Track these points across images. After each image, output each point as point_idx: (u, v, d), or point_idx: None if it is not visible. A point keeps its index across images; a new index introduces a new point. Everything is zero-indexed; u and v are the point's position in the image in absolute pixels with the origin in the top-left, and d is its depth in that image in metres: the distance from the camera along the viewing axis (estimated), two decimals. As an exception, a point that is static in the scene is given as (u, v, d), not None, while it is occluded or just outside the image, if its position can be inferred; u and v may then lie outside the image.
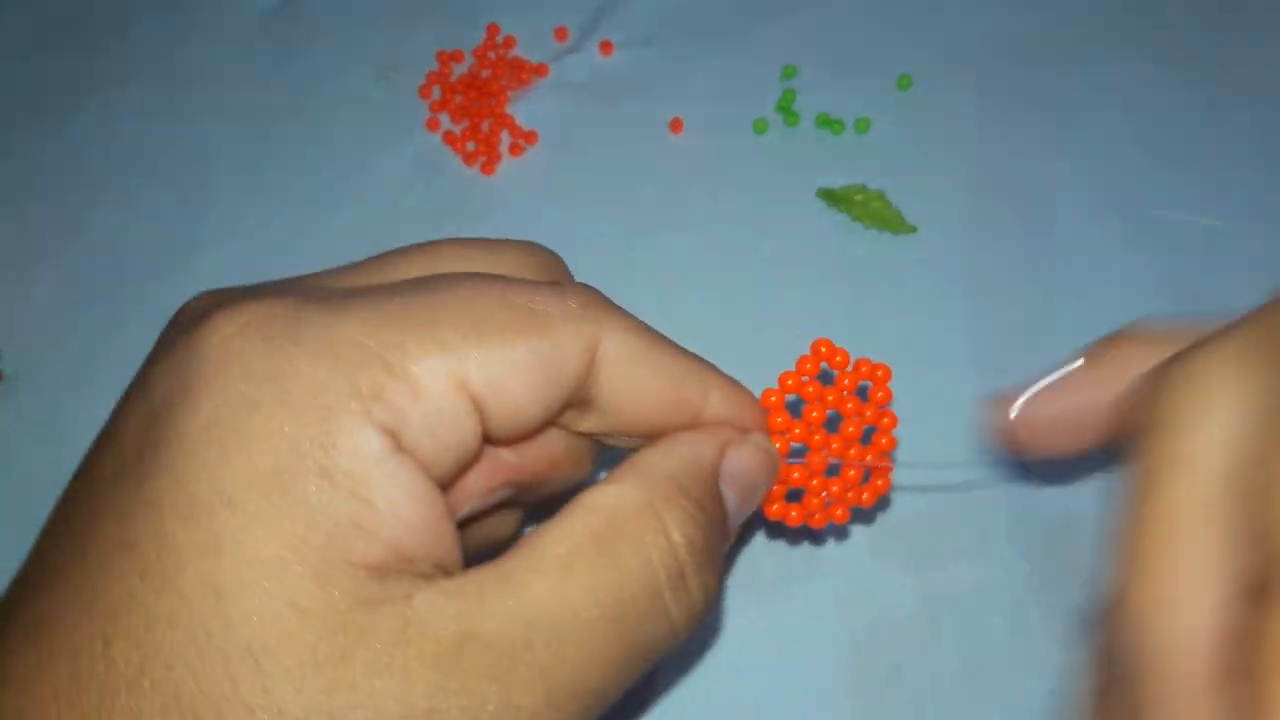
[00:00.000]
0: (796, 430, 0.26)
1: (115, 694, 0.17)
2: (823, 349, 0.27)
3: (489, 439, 0.22)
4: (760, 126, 0.43)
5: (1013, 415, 0.25)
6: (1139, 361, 0.22)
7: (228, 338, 0.20)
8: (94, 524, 0.19)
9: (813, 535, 0.34)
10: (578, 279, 0.41)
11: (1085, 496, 0.35)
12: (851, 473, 0.27)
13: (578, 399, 0.23)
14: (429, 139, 0.44)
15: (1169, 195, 0.41)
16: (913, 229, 0.41)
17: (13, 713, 0.17)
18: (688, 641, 0.23)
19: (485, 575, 0.20)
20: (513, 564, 0.20)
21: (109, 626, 0.18)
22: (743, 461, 0.25)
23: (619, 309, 0.24)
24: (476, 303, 0.21)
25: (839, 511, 0.27)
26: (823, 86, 0.44)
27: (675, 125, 0.44)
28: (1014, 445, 0.26)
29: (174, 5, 0.49)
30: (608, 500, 0.22)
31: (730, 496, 0.24)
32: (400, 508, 0.19)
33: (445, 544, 0.20)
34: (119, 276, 0.42)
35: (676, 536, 0.22)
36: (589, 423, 0.24)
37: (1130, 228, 0.40)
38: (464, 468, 0.21)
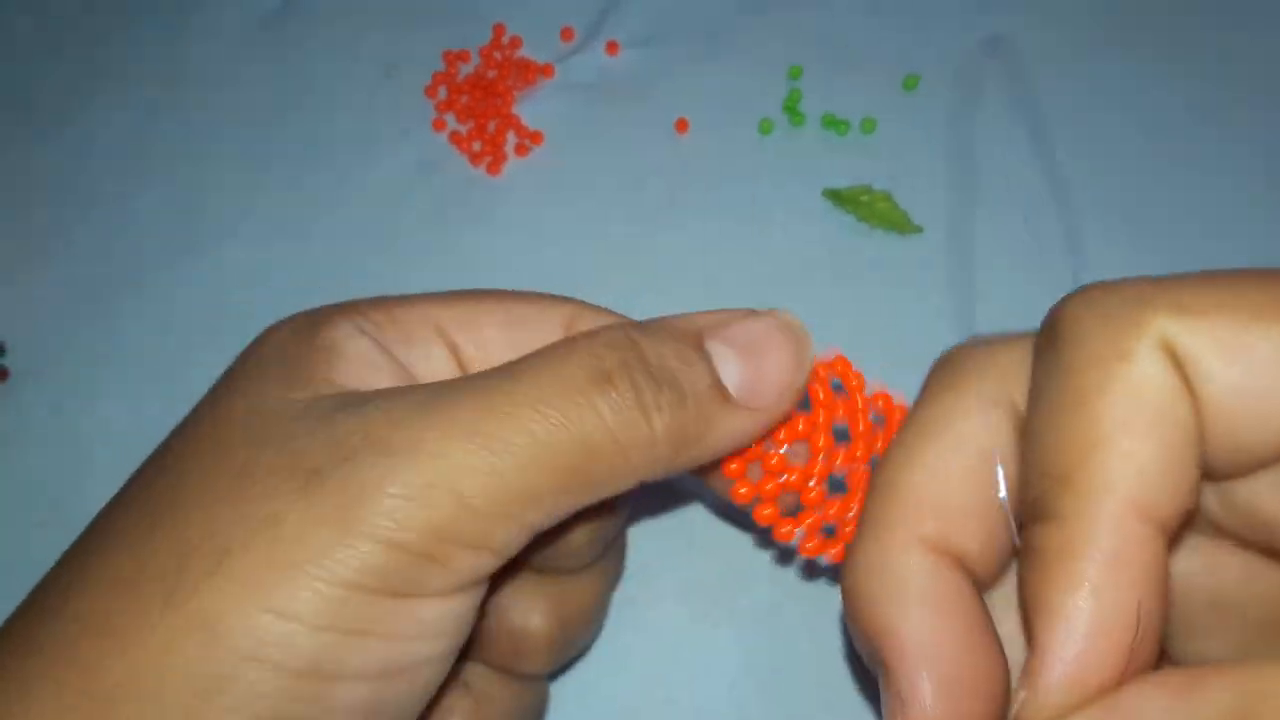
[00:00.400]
0: (800, 425, 0.25)
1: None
2: (837, 366, 0.26)
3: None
4: (766, 127, 0.43)
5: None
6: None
7: (275, 326, 0.25)
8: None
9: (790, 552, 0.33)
10: (583, 278, 0.42)
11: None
12: (851, 512, 0.24)
13: None
14: (435, 139, 0.44)
15: (1173, 197, 0.41)
16: (919, 229, 0.41)
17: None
18: (667, 476, 0.23)
19: (419, 384, 0.23)
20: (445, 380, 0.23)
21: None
22: (742, 324, 0.24)
23: (601, 308, 0.27)
24: (466, 292, 0.26)
25: (834, 551, 0.24)
26: (828, 87, 0.44)
27: (681, 125, 0.44)
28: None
29: (175, 6, 0.49)
30: None
31: (727, 354, 0.23)
32: (366, 357, 0.23)
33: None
34: (122, 275, 0.42)
35: (599, 340, 0.22)
36: None
37: (1133, 228, 0.40)
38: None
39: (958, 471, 0.20)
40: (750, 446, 0.24)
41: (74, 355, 0.40)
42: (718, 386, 0.23)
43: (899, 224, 0.40)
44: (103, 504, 0.37)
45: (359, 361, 0.23)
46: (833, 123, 0.43)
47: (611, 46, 0.46)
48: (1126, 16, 0.46)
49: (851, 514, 0.25)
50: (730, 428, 0.23)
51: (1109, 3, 0.46)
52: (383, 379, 0.23)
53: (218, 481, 0.21)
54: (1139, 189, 0.42)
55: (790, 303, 0.39)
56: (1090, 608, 0.17)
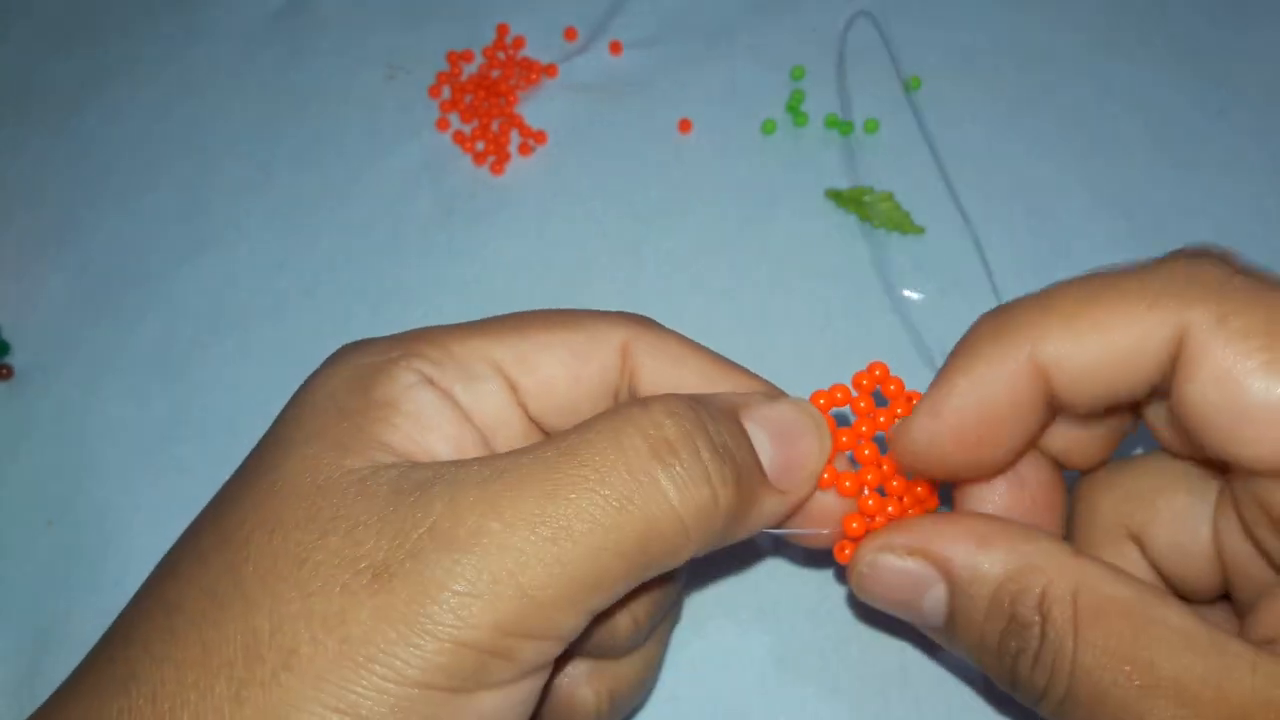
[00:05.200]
0: (844, 438, 0.26)
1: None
2: (877, 371, 0.27)
3: (545, 424, 0.26)
4: (769, 127, 0.44)
5: (913, 439, 0.24)
6: (1025, 335, 0.22)
7: (335, 352, 0.26)
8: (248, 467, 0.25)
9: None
10: (586, 277, 0.42)
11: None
12: (905, 497, 0.26)
13: (625, 394, 0.26)
14: (439, 138, 0.45)
15: (1174, 197, 0.41)
16: (921, 230, 0.41)
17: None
18: (723, 548, 0.23)
19: (477, 458, 0.23)
20: (502, 454, 0.23)
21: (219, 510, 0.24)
22: (773, 407, 0.25)
23: (658, 324, 0.26)
24: (518, 316, 0.26)
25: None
26: (831, 87, 0.44)
27: (684, 125, 0.44)
28: (937, 468, 0.25)
29: (182, 6, 0.49)
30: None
31: (762, 437, 0.24)
32: (423, 415, 0.23)
33: (473, 454, 0.24)
34: (128, 275, 0.42)
35: (657, 408, 0.22)
36: None
37: (1137, 228, 0.40)
38: (507, 426, 0.25)
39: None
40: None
41: (80, 353, 0.41)
42: (759, 465, 0.24)
43: (901, 224, 0.41)
44: (107, 504, 0.37)
45: (417, 422, 0.23)
46: (836, 123, 0.43)
47: (615, 47, 0.46)
48: (1132, 20, 0.46)
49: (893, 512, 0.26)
50: (768, 508, 0.24)
51: (1115, 6, 0.46)
52: (440, 442, 0.23)
53: (281, 566, 0.21)
54: (1141, 190, 0.42)
55: (793, 302, 0.40)
56: (967, 387, 0.23)
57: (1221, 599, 0.26)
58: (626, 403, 0.23)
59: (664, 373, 0.26)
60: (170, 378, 0.40)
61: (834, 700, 0.32)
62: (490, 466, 0.22)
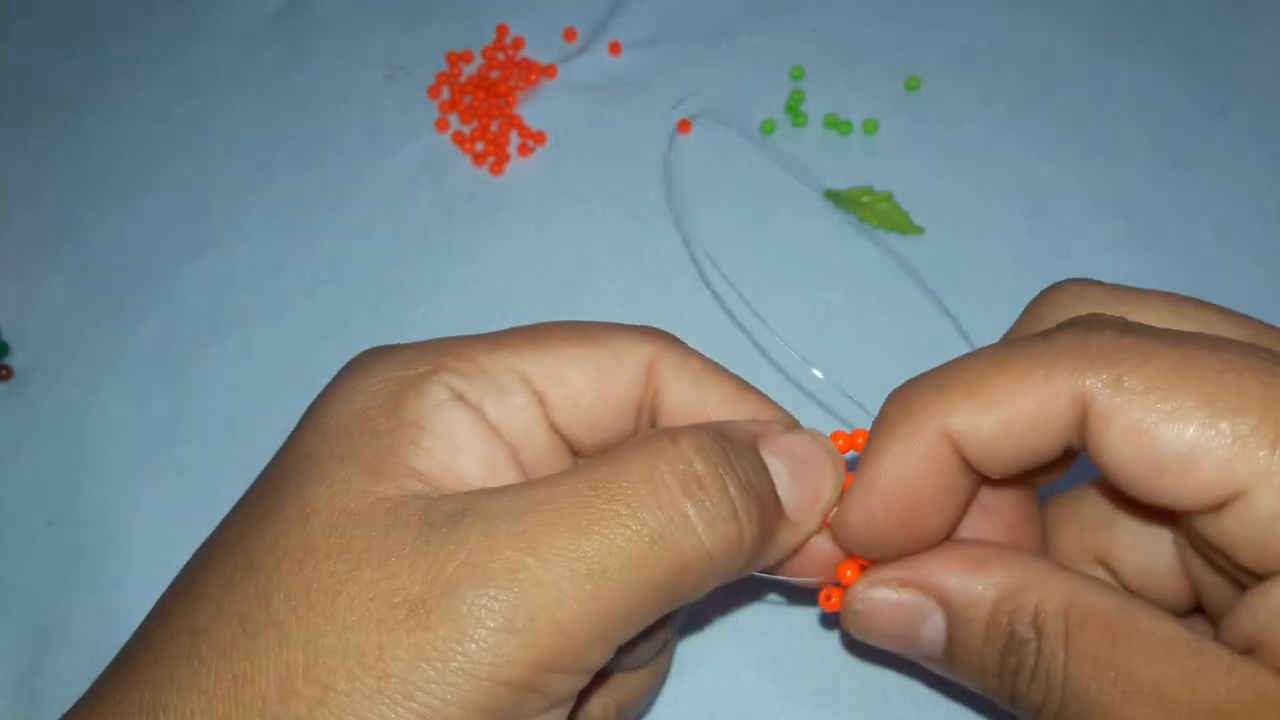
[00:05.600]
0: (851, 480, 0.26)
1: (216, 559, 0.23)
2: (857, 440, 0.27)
3: (571, 438, 0.25)
4: (768, 127, 0.44)
5: (851, 522, 0.24)
6: (930, 413, 0.23)
7: (356, 357, 0.25)
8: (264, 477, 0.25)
9: None
10: (586, 278, 0.42)
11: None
12: None
13: (649, 410, 0.26)
14: (438, 139, 0.45)
15: (1174, 197, 0.41)
16: (920, 230, 0.41)
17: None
18: (738, 579, 0.23)
19: (512, 484, 0.23)
20: (536, 479, 0.23)
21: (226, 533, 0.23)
22: (790, 439, 0.25)
23: (681, 341, 0.26)
24: (544, 328, 0.26)
25: None
26: (831, 87, 0.44)
27: (683, 126, 0.44)
28: (880, 547, 0.25)
29: (182, 5, 0.49)
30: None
31: (779, 469, 0.24)
32: (454, 436, 0.23)
33: (503, 477, 0.23)
34: (128, 275, 0.42)
35: (685, 443, 0.22)
36: None
37: (1136, 229, 0.41)
38: (535, 439, 0.25)
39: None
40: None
41: (80, 353, 0.41)
42: (778, 498, 0.24)
43: (900, 224, 0.41)
44: (107, 504, 0.37)
45: (448, 444, 0.23)
46: (835, 123, 0.43)
47: (614, 47, 0.46)
48: (1131, 20, 0.46)
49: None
50: (785, 541, 0.25)
51: (1114, 6, 0.46)
52: (471, 464, 0.23)
53: (314, 597, 0.21)
54: (1141, 190, 0.42)
55: (792, 303, 0.40)
56: (884, 472, 0.23)
57: (1197, 610, 0.26)
58: (654, 433, 0.23)
59: (686, 393, 0.26)
60: (170, 378, 0.40)
61: (834, 700, 0.32)
62: (522, 499, 0.22)
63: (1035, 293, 0.39)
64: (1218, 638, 0.22)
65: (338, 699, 0.20)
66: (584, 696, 0.26)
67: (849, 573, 0.26)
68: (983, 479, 0.24)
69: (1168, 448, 0.20)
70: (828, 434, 0.27)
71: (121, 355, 0.41)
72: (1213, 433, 0.20)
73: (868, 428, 0.26)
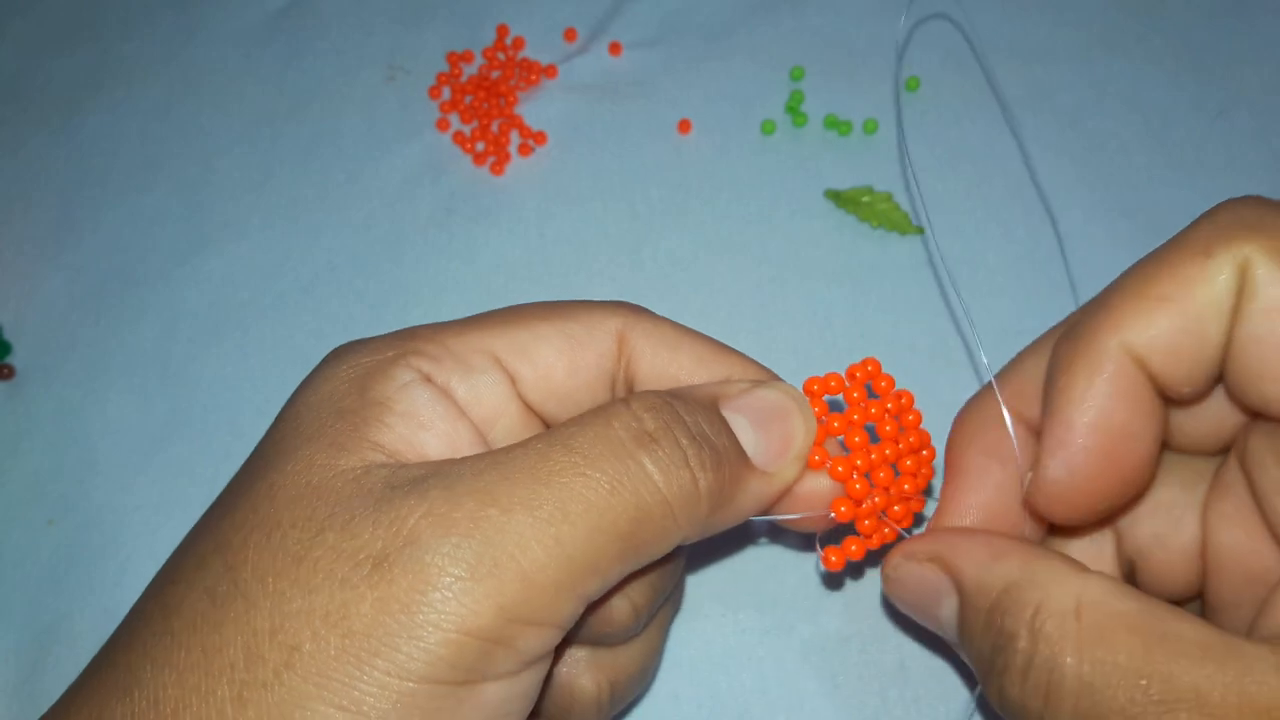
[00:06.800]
0: (835, 423, 0.26)
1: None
2: (869, 366, 0.27)
3: (544, 413, 0.26)
4: (768, 127, 0.44)
5: (1052, 478, 0.23)
6: (1115, 327, 0.22)
7: (332, 351, 0.26)
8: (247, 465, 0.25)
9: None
10: (585, 278, 0.42)
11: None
12: (891, 488, 0.26)
13: (621, 381, 0.26)
14: (439, 139, 0.45)
15: (1174, 197, 0.41)
16: (919, 230, 0.41)
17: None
18: (723, 536, 0.24)
19: (470, 455, 0.23)
20: (494, 450, 0.23)
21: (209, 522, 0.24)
22: (752, 394, 0.25)
23: (651, 312, 0.27)
24: (514, 309, 0.26)
25: (887, 530, 0.27)
26: (830, 88, 0.44)
27: (683, 126, 0.44)
28: (1083, 502, 0.24)
29: (182, 5, 0.49)
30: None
31: (742, 423, 0.24)
32: (417, 413, 0.23)
33: (466, 453, 0.24)
34: (128, 274, 0.42)
35: (636, 404, 0.23)
36: None
37: (1137, 228, 0.41)
38: (506, 417, 0.25)
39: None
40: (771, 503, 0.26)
41: (81, 353, 0.41)
42: (740, 451, 0.24)
43: (900, 224, 0.41)
44: (108, 503, 0.37)
45: (411, 421, 0.23)
46: (835, 124, 0.43)
47: (614, 47, 0.46)
48: (1130, 20, 0.46)
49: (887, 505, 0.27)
50: (755, 490, 0.25)
51: (1113, 6, 0.46)
52: (434, 440, 0.23)
53: (279, 564, 0.21)
54: (1141, 189, 0.42)
55: (790, 302, 0.40)
56: (1090, 406, 0.22)
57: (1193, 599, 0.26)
58: (610, 401, 0.24)
59: (660, 358, 0.26)
60: (170, 378, 0.40)
61: (833, 698, 0.32)
62: (483, 460, 0.22)
63: (1035, 292, 0.40)
64: (1255, 624, 0.21)
65: (303, 660, 0.20)
66: (577, 673, 0.26)
67: (842, 508, 0.26)
68: (1172, 406, 0.23)
69: None
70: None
71: (121, 355, 0.41)
72: None
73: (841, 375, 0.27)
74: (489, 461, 0.22)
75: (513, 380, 0.25)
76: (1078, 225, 0.41)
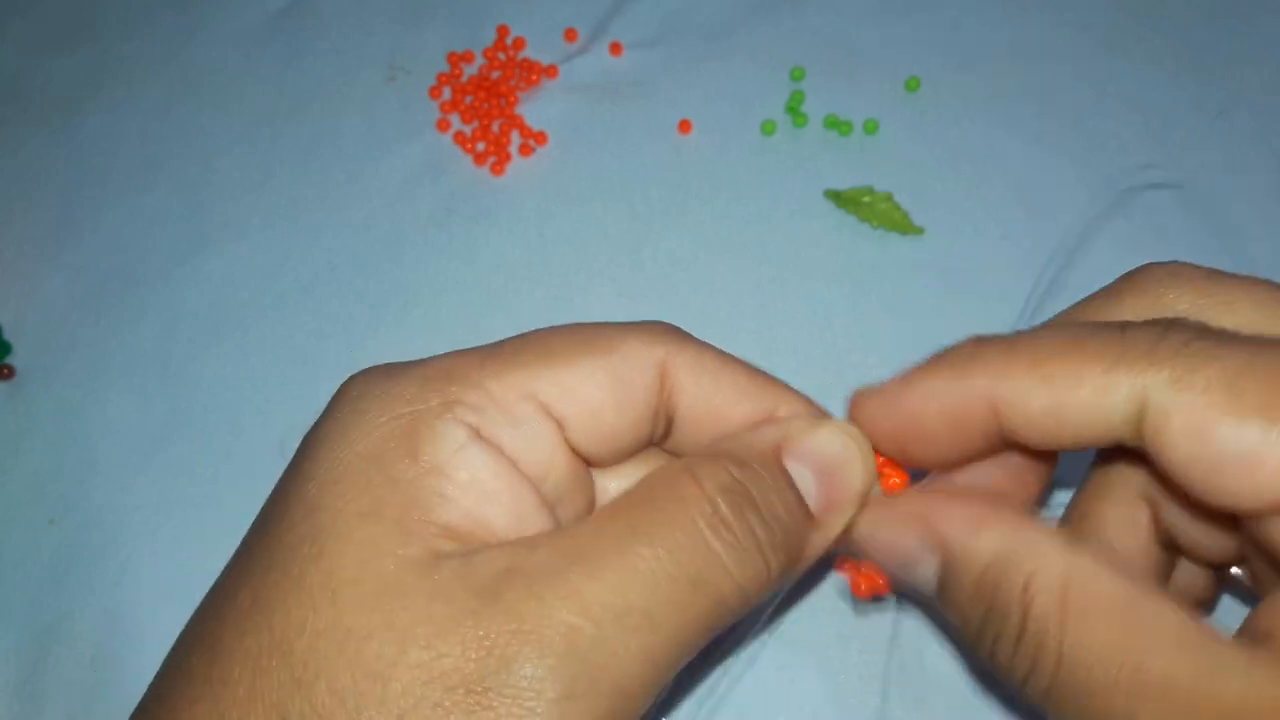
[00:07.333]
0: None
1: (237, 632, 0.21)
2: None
3: (588, 455, 0.25)
4: (768, 128, 0.44)
5: (871, 408, 0.25)
6: (986, 369, 0.23)
7: (352, 384, 0.24)
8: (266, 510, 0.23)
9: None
10: (586, 279, 0.42)
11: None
12: None
13: (663, 414, 0.25)
14: (439, 139, 0.45)
15: (1173, 197, 0.41)
16: (920, 230, 0.41)
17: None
18: (767, 605, 0.23)
19: (545, 533, 0.22)
20: (568, 526, 0.22)
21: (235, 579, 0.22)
22: (813, 441, 0.25)
23: (690, 335, 0.26)
24: (549, 337, 0.25)
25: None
26: (831, 88, 0.44)
27: (684, 126, 0.44)
28: (883, 444, 0.26)
29: (182, 5, 0.49)
30: (651, 471, 0.23)
31: (805, 474, 0.24)
32: (479, 481, 0.22)
33: (531, 521, 0.23)
34: (128, 275, 0.42)
35: (708, 485, 0.22)
36: (673, 443, 0.26)
37: (1137, 230, 0.41)
38: (556, 468, 0.24)
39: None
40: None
41: (80, 353, 0.41)
42: (805, 509, 0.24)
43: (900, 225, 0.41)
44: (108, 503, 0.37)
45: (473, 493, 0.22)
46: (835, 124, 0.43)
47: (615, 47, 0.46)
48: (1131, 21, 0.46)
49: None
50: (815, 546, 0.25)
51: (1114, 7, 0.46)
52: (499, 514, 0.22)
53: (361, 685, 0.19)
54: (1141, 190, 0.42)
55: (791, 302, 0.40)
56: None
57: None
58: (678, 471, 0.23)
59: (703, 391, 0.25)
60: (170, 378, 0.40)
61: (833, 698, 0.32)
62: (563, 552, 0.21)
63: (1035, 293, 0.40)
64: (1243, 628, 0.21)
65: None
66: None
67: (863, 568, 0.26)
68: (1000, 445, 0.24)
69: (1229, 446, 0.20)
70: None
71: (121, 355, 0.41)
72: (1275, 435, 0.19)
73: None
74: (568, 556, 0.21)
75: (560, 426, 0.24)
76: (1080, 227, 0.41)
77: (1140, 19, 0.46)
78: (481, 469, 0.22)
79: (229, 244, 0.43)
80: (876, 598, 0.27)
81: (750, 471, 0.23)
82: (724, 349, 0.28)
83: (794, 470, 0.24)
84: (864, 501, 0.25)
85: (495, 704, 0.19)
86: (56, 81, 0.48)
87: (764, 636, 0.33)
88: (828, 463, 0.24)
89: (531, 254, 0.42)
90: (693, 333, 0.28)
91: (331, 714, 0.19)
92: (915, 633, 0.33)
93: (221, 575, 0.23)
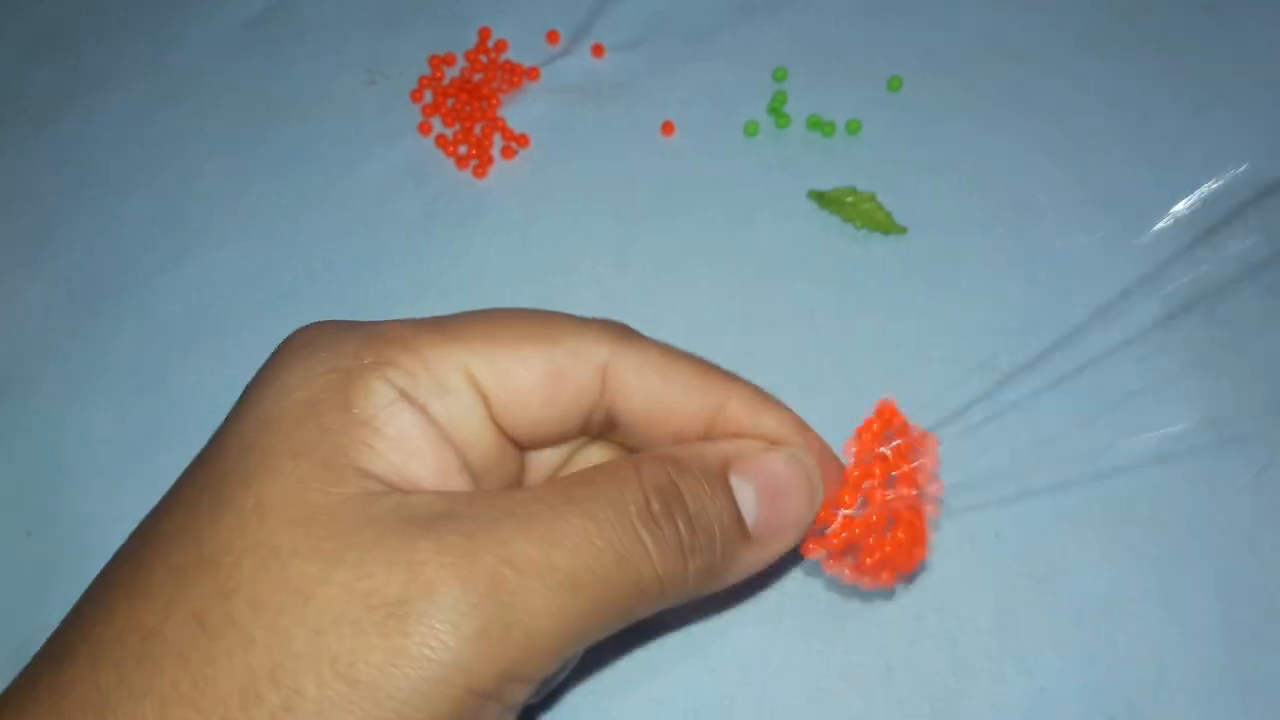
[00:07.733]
0: (856, 473, 0.27)
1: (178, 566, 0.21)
2: (886, 413, 0.27)
3: (514, 437, 0.25)
4: (751, 129, 0.44)
5: None
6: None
7: (298, 335, 0.25)
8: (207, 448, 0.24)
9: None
10: (569, 281, 0.42)
11: (1078, 499, 0.35)
12: (900, 535, 0.26)
13: (601, 410, 0.26)
14: (421, 142, 0.44)
15: (1154, 194, 0.42)
16: (903, 230, 0.41)
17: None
18: (684, 607, 0.24)
19: (483, 491, 0.23)
20: (506, 489, 0.23)
21: (167, 521, 0.22)
22: (765, 461, 0.25)
23: (638, 334, 0.26)
24: (498, 318, 0.25)
25: (884, 575, 0.27)
26: (813, 89, 0.44)
27: (666, 128, 0.44)
28: None
29: (161, 11, 0.49)
30: (600, 462, 0.25)
31: (748, 493, 0.25)
32: (406, 438, 0.23)
33: (454, 483, 0.23)
34: (108, 281, 0.42)
35: (647, 480, 0.23)
36: (619, 436, 0.27)
37: (1117, 226, 0.41)
38: (483, 440, 0.25)
39: None
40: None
41: (58, 363, 0.40)
42: (740, 524, 0.25)
43: (883, 225, 0.41)
44: (86, 514, 0.37)
45: (399, 447, 0.23)
46: (818, 124, 0.43)
47: (597, 49, 0.46)
48: (1111, 19, 0.46)
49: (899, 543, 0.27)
50: (746, 563, 0.25)
51: (1094, 5, 0.46)
52: (424, 470, 0.23)
53: (281, 598, 0.20)
54: (1121, 187, 0.42)
55: (775, 303, 0.40)
56: None
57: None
58: (622, 463, 0.24)
59: (651, 389, 0.25)
60: (150, 387, 0.39)
61: (818, 700, 0.32)
62: (497, 508, 0.22)
63: (1020, 291, 0.40)
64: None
65: (305, 705, 0.19)
66: None
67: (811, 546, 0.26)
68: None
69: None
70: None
71: (101, 364, 0.40)
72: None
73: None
74: (503, 511, 0.22)
75: (487, 401, 0.24)
76: (1059, 223, 0.41)
77: (1119, 18, 0.46)
78: (409, 427, 0.23)
79: (208, 251, 0.42)
80: (856, 585, 0.27)
81: (689, 476, 0.24)
82: (708, 351, 0.28)
83: (739, 486, 0.25)
84: (808, 530, 0.26)
85: (411, 630, 0.20)
86: (33, 89, 0.47)
87: (750, 632, 0.33)
88: (775, 485, 0.25)
89: (515, 257, 0.41)
90: (676, 335, 0.28)
91: (248, 624, 0.20)
92: (903, 632, 0.33)
93: (156, 505, 0.23)
